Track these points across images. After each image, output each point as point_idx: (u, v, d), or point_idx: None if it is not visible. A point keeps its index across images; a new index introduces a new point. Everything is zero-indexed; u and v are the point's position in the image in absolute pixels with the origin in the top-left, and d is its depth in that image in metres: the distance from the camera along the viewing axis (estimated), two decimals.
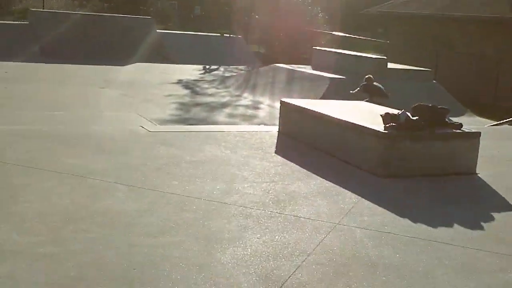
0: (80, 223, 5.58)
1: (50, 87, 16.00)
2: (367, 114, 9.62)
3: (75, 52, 24.47)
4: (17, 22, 29.13)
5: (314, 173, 8.00)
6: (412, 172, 8.21)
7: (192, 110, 14.28)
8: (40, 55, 23.46)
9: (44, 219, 5.61)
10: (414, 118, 8.41)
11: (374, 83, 14.24)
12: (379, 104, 12.46)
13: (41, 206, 5.97)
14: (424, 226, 6.21)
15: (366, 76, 14.37)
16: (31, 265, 4.60)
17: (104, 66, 21.94)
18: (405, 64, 19.93)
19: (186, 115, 13.52)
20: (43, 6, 40.86)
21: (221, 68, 24.92)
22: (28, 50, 23.54)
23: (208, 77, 22.04)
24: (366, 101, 12.88)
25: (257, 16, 33.42)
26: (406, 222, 6.35)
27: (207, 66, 25.19)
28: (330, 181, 7.66)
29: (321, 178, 7.79)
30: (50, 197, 6.25)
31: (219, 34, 30.88)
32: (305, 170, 8.14)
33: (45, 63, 21.63)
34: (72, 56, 23.55)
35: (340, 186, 7.50)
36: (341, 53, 19.37)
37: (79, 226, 5.50)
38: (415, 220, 6.38)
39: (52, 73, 19.34)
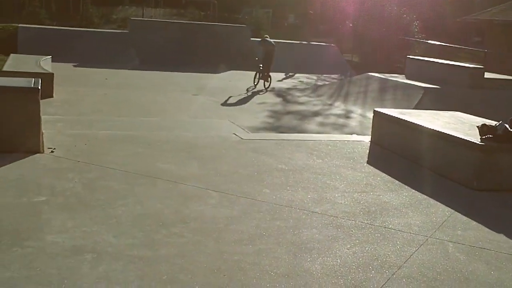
0: (173, 227, 5.71)
1: (146, 93, 16.46)
2: (463, 125, 9.38)
3: (171, 59, 25.06)
4: (117, 31, 30.12)
5: (406, 184, 7.87)
6: (508, 186, 7.94)
7: (284, 118, 14.33)
8: (138, 62, 24.18)
9: (139, 222, 5.77)
10: None
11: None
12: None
13: (136, 209, 6.14)
14: None
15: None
16: (125, 267, 4.74)
17: (198, 73, 22.36)
18: (504, 74, 19.29)
19: (277, 123, 13.58)
20: (143, 15, 42.12)
21: (314, 77, 24.89)
22: (127, 58, 24.31)
23: (300, 85, 22.04)
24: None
25: (351, 25, 33.21)
26: (502, 237, 6.15)
27: (291, 73, 25.20)
28: (423, 193, 7.52)
29: (413, 190, 7.66)
30: (145, 201, 6.42)
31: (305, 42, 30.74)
32: (397, 181, 8.02)
33: (143, 70, 22.27)
34: (168, 64, 24.14)
35: (433, 198, 7.35)
36: (435, 62, 18.95)
37: (171, 230, 5.63)
38: (511, 236, 6.17)
39: (149, 79, 19.88)
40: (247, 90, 19.26)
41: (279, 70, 25.45)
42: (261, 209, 6.48)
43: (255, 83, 19.80)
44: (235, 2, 54.94)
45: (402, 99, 15.96)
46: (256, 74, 19.88)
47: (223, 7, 50.85)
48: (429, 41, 30.70)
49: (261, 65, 19.70)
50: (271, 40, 20.54)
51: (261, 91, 19.16)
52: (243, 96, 17.63)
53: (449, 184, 8.13)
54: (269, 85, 19.63)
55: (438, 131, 8.83)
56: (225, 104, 15.79)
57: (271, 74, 19.77)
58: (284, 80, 23.35)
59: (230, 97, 17.22)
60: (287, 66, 26.36)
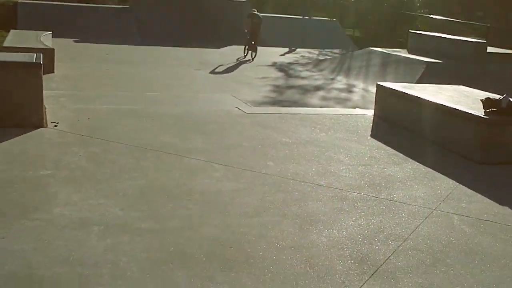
0: (179, 200, 5.72)
1: (148, 68, 16.39)
2: (466, 99, 9.36)
3: (173, 34, 24.95)
4: (118, 6, 29.92)
5: (411, 158, 7.88)
6: None
7: (286, 93, 14.28)
8: (139, 37, 24.07)
9: (145, 195, 5.79)
10: None
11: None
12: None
13: (142, 183, 6.15)
14: None
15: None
16: (132, 239, 4.76)
17: (200, 48, 22.27)
18: (507, 49, 19.19)
19: (280, 97, 13.53)
20: None
21: (315, 52, 24.81)
22: (128, 33, 24.21)
23: (302, 60, 21.97)
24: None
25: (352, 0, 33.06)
26: (507, 210, 6.17)
27: (293, 48, 25.34)
28: (427, 166, 7.54)
29: (417, 163, 7.67)
30: (150, 175, 6.43)
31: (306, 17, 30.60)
32: (401, 154, 8.03)
33: (144, 45, 22.17)
34: (170, 39, 24.04)
35: (437, 171, 7.36)
36: (437, 36, 18.85)
37: (177, 203, 5.65)
38: None
39: (150, 55, 19.81)
40: (237, 60, 20.21)
41: (280, 45, 25.42)
42: (266, 182, 6.49)
43: (245, 54, 21.18)
44: None
45: (405, 73, 15.90)
46: (245, 46, 21.35)
47: None
48: (431, 16, 30.55)
49: (249, 37, 21.15)
50: (259, 14, 21.77)
51: (263, 65, 19.11)
52: (245, 71, 17.57)
53: (454, 158, 8.14)
54: (255, 55, 20.95)
55: (441, 104, 8.82)
56: (227, 78, 15.74)
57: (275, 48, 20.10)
58: (286, 55, 23.27)
59: (232, 71, 17.18)
60: (288, 40, 26.28)
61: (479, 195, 6.55)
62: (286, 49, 24.85)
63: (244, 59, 20.53)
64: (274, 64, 19.82)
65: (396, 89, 10.15)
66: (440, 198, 6.38)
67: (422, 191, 6.58)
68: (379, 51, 18.80)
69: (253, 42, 21.08)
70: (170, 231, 4.98)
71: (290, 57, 22.56)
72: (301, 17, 30.61)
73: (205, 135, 8.35)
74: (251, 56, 21.01)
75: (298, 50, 24.96)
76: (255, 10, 22.08)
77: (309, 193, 6.23)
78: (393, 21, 30.11)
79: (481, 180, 7.25)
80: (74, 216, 5.10)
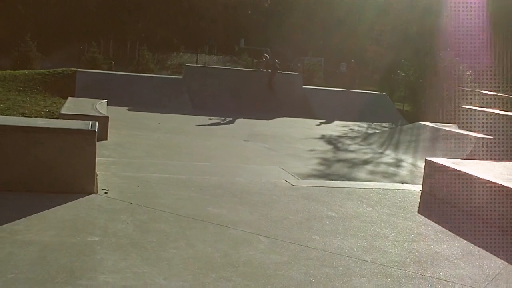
0: (222, 271, 5.75)
1: (198, 138, 16.69)
2: None
3: (224, 105, 25.43)
4: (172, 76, 30.76)
5: (458, 235, 7.76)
6: None
7: (334, 166, 14.32)
8: (191, 107, 24.60)
9: (189, 265, 5.83)
10: None
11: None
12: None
13: (187, 253, 6.21)
14: None
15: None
16: None
17: (249, 119, 22.59)
18: None
19: (327, 170, 13.57)
20: (197, 61, 42.97)
21: (365, 125, 24.89)
22: (180, 103, 24.78)
23: (351, 133, 22.05)
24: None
25: (402, 74, 33.20)
26: None
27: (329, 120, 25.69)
28: (475, 244, 7.40)
29: (465, 241, 7.54)
30: (195, 245, 6.49)
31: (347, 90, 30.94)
32: (448, 232, 7.92)
33: (195, 115, 22.62)
34: (221, 109, 24.50)
35: (486, 250, 7.22)
36: (488, 111, 18.75)
37: (221, 274, 5.67)
38: None
39: (200, 124, 20.17)
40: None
41: (329, 118, 25.61)
42: (310, 255, 6.47)
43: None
44: (288, 50, 55.62)
45: (454, 148, 15.81)
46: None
47: (276, 54, 51.45)
48: (482, 91, 30.42)
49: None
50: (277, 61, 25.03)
51: (312, 138, 19.26)
52: (293, 143, 17.71)
53: (503, 236, 7.98)
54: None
55: (491, 181, 8.72)
56: (276, 150, 15.89)
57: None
58: (336, 128, 23.38)
59: (280, 143, 17.33)
60: (338, 113, 26.48)
61: None
62: (335, 122, 25.00)
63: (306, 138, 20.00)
64: (323, 137, 19.94)
65: (445, 164, 10.08)
66: (488, 278, 6.25)
67: (470, 270, 6.45)
68: (428, 125, 18.78)
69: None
70: None
71: (338, 130, 22.66)
72: (347, 90, 30.91)
73: (252, 206, 8.41)
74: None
75: (347, 123, 25.09)
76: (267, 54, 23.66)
77: (354, 268, 6.18)
78: (443, 95, 30.06)
79: None
80: (117, 284, 5.16)
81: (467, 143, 15.81)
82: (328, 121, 25.05)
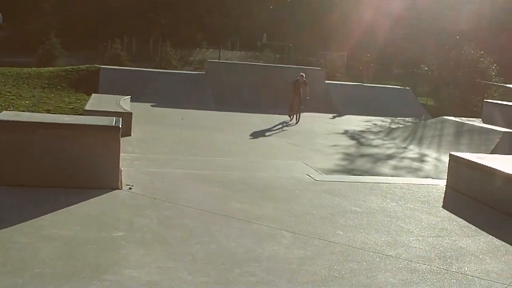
0: (246, 266, 5.76)
1: (220, 134, 16.73)
2: None
3: (246, 101, 25.43)
4: (194, 72, 30.83)
5: (484, 230, 7.70)
6: None
7: (357, 161, 14.27)
8: (213, 102, 24.65)
9: (213, 260, 5.85)
10: None
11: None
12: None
13: (211, 247, 6.23)
14: None
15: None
16: None
17: (272, 115, 22.58)
18: None
19: (350, 165, 13.53)
20: (219, 57, 43.05)
21: (388, 120, 24.76)
22: (203, 98, 24.84)
23: (374, 128, 21.95)
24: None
25: (426, 68, 32.95)
26: None
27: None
28: (501, 239, 7.34)
29: (491, 236, 7.48)
30: (219, 240, 6.51)
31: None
32: (473, 226, 7.86)
33: (218, 110, 22.67)
34: (243, 105, 24.51)
35: (511, 245, 7.16)
36: None
37: (244, 269, 5.68)
38: None
39: (223, 120, 20.23)
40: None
41: (353, 113, 25.53)
42: (334, 250, 6.46)
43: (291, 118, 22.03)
44: (310, 45, 55.51)
45: (479, 143, 15.66)
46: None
47: (298, 50, 51.42)
48: (507, 85, 30.11)
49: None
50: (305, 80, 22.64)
51: (335, 133, 19.22)
52: (316, 138, 17.68)
53: None
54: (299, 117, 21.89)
55: None
56: (298, 145, 15.87)
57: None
58: (359, 123, 23.29)
59: (303, 138, 17.30)
60: (361, 108, 26.38)
61: None
62: (358, 117, 24.90)
63: (330, 132, 19.87)
64: (345, 132, 19.88)
65: (470, 159, 10.00)
66: None
67: (495, 266, 6.40)
68: (452, 120, 18.63)
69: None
70: None
71: (362, 125, 22.57)
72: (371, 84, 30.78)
73: (275, 201, 8.41)
74: (296, 119, 21.71)
75: (370, 117, 24.96)
76: (303, 74, 22.79)
77: (378, 263, 6.16)
78: (468, 90, 29.79)
79: None
80: (142, 279, 5.20)
81: (492, 137, 15.66)
82: (351, 116, 24.96)
